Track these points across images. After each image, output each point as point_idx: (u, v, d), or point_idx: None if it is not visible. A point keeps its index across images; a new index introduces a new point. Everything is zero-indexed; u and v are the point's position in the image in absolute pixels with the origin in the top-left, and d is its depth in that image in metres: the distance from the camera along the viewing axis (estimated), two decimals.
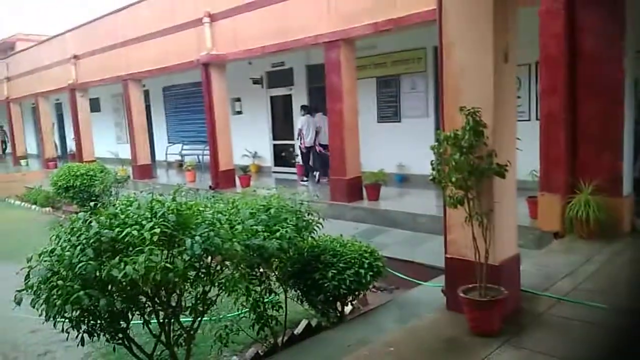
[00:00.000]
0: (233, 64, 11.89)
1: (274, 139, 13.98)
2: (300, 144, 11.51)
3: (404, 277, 5.75)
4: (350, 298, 4.69)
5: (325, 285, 4.28)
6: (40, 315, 3.15)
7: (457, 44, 3.78)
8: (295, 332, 4.73)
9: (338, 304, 4.61)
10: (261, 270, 4.06)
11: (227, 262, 3.53)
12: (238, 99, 14.64)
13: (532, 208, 6.35)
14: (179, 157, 16.53)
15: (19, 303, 3.06)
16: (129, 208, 3.31)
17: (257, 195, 4.42)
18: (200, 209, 3.46)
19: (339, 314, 4.66)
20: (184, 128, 17.27)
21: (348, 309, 5.08)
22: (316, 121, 11.19)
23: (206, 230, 3.22)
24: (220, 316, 4.38)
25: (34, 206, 14.33)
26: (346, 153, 8.87)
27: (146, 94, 15.87)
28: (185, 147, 16.39)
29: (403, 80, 10.67)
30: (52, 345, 5.04)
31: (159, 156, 17.90)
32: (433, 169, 3.62)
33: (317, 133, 11.13)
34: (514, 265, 3.97)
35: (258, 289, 4.04)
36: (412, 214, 7.76)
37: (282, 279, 4.32)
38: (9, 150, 25.33)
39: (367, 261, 4.44)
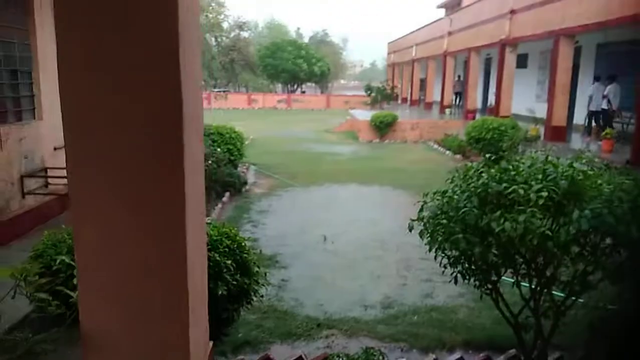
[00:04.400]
0: None
1: None
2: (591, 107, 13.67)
3: None
4: None
5: None
6: (425, 245, 3.57)
7: None
8: None
9: None
10: None
11: (620, 248, 3.05)
12: None
13: None
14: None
15: (410, 229, 3.56)
16: (521, 165, 3.26)
17: None
18: (599, 181, 3.06)
19: None
20: None
21: None
22: (609, 89, 12.89)
23: (599, 205, 2.85)
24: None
25: (447, 151, 15.99)
26: None
27: (577, 51, 14.70)
28: None
29: None
30: (434, 276, 5.70)
31: (577, 119, 16.60)
32: None
33: (604, 98, 12.98)
34: None
35: None
36: None
37: None
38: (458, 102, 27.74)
39: None
